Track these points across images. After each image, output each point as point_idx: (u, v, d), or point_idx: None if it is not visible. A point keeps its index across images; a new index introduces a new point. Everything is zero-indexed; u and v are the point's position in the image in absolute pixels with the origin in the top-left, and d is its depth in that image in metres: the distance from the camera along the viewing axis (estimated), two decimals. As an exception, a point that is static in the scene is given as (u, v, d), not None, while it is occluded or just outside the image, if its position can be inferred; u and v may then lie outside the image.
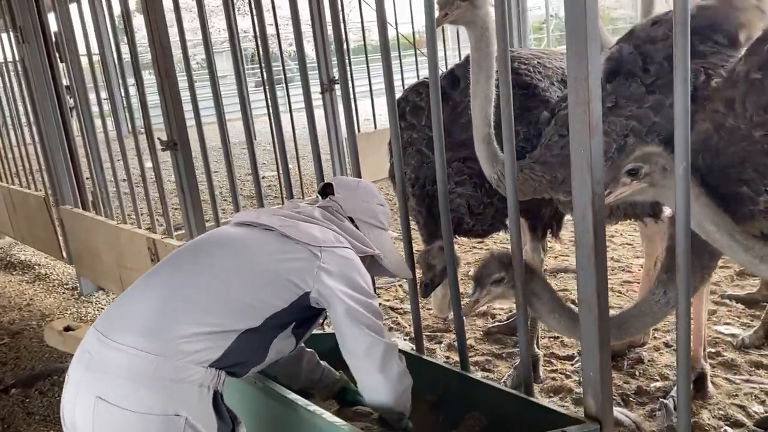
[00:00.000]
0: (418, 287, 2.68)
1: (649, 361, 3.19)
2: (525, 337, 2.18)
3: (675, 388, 2.86)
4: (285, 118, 3.24)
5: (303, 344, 2.20)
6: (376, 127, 8.41)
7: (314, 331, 2.07)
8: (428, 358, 2.42)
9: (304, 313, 1.88)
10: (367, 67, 7.69)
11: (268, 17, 2.98)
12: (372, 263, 2.10)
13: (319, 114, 6.31)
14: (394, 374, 1.94)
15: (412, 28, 9.07)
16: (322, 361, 2.32)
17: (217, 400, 1.75)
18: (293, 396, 2.00)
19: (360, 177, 2.68)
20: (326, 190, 2.19)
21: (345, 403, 2.24)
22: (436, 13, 2.31)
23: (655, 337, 3.37)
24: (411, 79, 6.76)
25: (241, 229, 1.99)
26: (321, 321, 2.14)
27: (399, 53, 7.59)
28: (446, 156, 2.90)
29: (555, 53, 3.26)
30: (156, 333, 1.70)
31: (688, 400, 1.76)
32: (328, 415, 1.84)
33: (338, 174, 3.75)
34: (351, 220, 2.09)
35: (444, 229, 2.37)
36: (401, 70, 7.98)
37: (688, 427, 1.81)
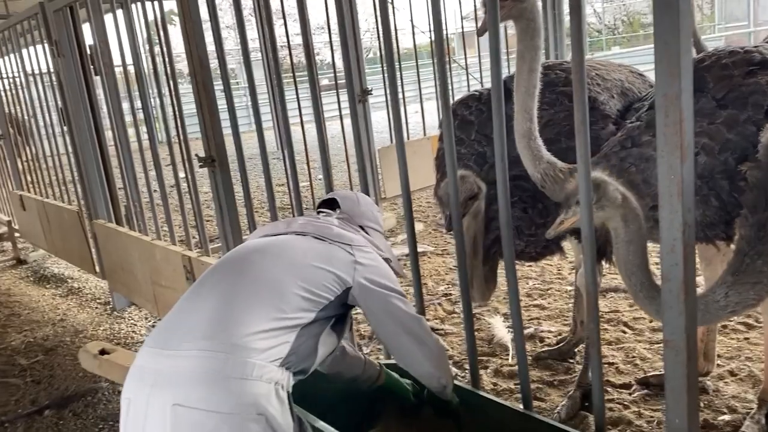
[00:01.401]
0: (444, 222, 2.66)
1: (714, 391, 2.98)
2: (598, 372, 2.00)
3: (747, 422, 2.66)
4: (314, 128, 3.09)
5: (344, 346, 2.32)
6: (408, 137, 8.28)
7: None
8: (489, 396, 2.26)
9: (340, 310, 1.99)
10: (400, 75, 7.56)
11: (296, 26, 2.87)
12: None
13: (346, 124, 6.24)
14: (434, 345, 2.10)
15: (446, 34, 8.91)
16: (360, 353, 2.43)
17: (290, 401, 1.76)
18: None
19: (409, 188, 2.66)
20: (327, 205, 2.37)
21: (391, 391, 2.42)
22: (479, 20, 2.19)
23: (719, 365, 3.16)
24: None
25: (274, 237, 2.07)
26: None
27: (433, 61, 7.43)
28: (494, 174, 2.76)
29: (612, 65, 3.08)
30: (222, 334, 1.69)
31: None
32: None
33: (370, 185, 3.77)
34: (361, 228, 2.24)
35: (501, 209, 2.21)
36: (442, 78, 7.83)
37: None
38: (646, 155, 2.31)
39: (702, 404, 2.89)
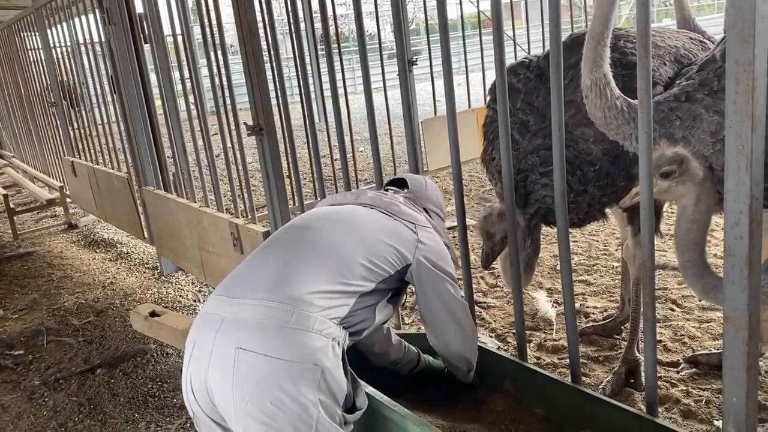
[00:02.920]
0: (482, 258, 2.70)
1: (766, 372, 2.90)
2: (652, 348, 1.96)
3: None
4: (360, 99, 3.05)
5: (390, 327, 2.45)
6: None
7: None
8: (537, 369, 2.25)
9: (399, 285, 2.06)
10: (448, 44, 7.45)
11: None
12: None
13: (390, 96, 6.16)
14: (470, 330, 2.20)
15: (477, 6, 8.71)
16: (400, 339, 2.51)
17: (345, 358, 1.81)
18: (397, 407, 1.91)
19: (459, 158, 2.63)
20: (395, 185, 2.44)
21: (431, 374, 2.50)
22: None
23: None
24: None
25: (345, 206, 2.14)
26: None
27: (480, 32, 7.29)
28: (535, 143, 2.70)
29: (668, 31, 2.97)
30: (287, 288, 1.76)
31: None
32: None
33: (416, 156, 3.70)
34: (425, 210, 2.29)
35: (507, 206, 2.17)
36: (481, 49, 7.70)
37: None
38: (695, 113, 2.23)
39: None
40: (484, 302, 4.03)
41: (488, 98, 2.96)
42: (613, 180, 2.67)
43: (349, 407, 1.84)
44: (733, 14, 1.42)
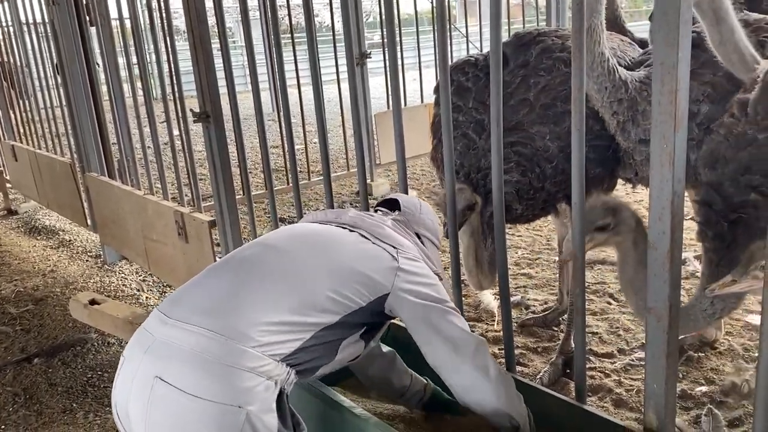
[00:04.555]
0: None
1: (695, 363, 3.04)
2: (582, 339, 2.03)
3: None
4: (309, 91, 3.02)
5: (394, 351, 2.23)
6: (405, 104, 8.22)
7: None
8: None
9: (374, 319, 1.82)
10: (400, 40, 7.48)
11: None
12: None
13: (343, 88, 6.13)
14: (492, 371, 1.81)
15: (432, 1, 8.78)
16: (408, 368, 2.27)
17: (282, 399, 1.63)
18: (357, 409, 1.90)
19: (404, 153, 2.57)
20: (387, 205, 2.19)
21: (437, 407, 2.23)
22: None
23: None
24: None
25: (328, 227, 1.93)
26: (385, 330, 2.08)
27: (434, 28, 7.35)
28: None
29: (626, 41, 3.07)
30: (230, 316, 1.59)
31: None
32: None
33: (366, 150, 3.64)
34: (417, 236, 2.07)
35: (496, 215, 2.23)
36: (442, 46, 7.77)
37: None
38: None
39: (681, 375, 2.96)
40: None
41: (435, 97, 3.00)
42: (569, 176, 2.75)
43: None
44: (660, 18, 1.48)
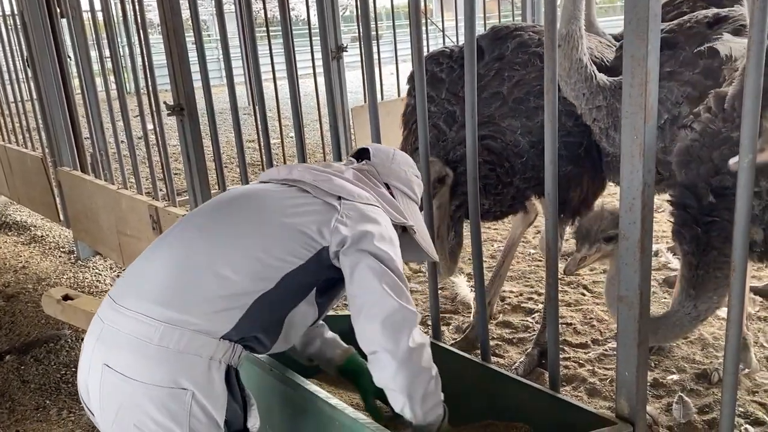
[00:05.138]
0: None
1: (667, 352, 3.10)
2: (555, 331, 2.06)
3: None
4: (285, 85, 2.99)
5: (325, 324, 2.08)
6: (382, 98, 8.22)
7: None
8: (447, 346, 2.31)
9: (325, 274, 1.68)
10: (376, 34, 7.47)
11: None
12: (401, 239, 1.81)
13: (320, 82, 6.13)
14: (402, 352, 1.61)
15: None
16: (331, 332, 2.11)
17: (231, 376, 1.61)
18: (314, 388, 1.88)
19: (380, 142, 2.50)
20: (360, 155, 2.00)
21: (346, 373, 2.02)
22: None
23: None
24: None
25: (264, 185, 1.85)
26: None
27: (410, 21, 7.35)
28: (463, 134, 2.76)
29: (604, 42, 3.08)
30: (168, 299, 1.58)
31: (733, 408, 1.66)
32: (351, 411, 1.73)
33: (342, 144, 3.58)
34: (387, 187, 1.90)
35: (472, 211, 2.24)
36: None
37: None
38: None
39: (653, 364, 3.01)
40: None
41: (408, 87, 3.00)
42: (539, 172, 2.76)
43: (239, 429, 1.64)
44: (629, 12, 1.51)
